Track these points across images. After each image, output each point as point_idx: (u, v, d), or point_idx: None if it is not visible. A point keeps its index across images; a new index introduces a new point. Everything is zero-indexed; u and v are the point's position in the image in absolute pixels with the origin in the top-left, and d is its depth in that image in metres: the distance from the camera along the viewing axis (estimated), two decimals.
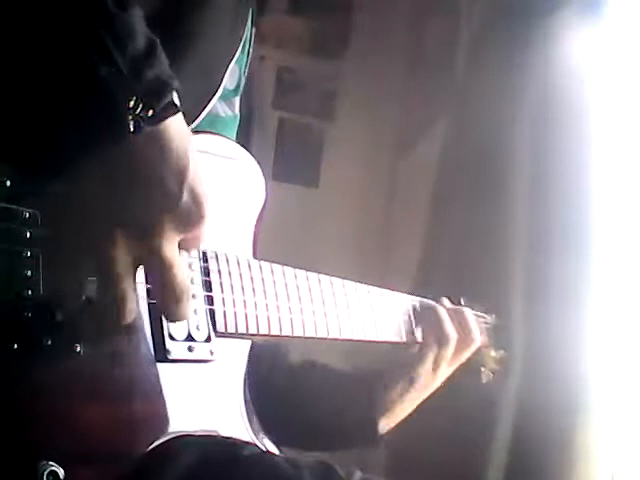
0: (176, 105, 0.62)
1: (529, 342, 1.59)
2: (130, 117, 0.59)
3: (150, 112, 0.60)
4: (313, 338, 0.92)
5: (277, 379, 1.06)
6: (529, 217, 1.71)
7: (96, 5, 0.59)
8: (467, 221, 1.88)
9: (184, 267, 0.65)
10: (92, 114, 0.58)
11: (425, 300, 1.15)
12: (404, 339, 1.08)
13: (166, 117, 0.61)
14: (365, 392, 1.11)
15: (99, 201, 0.60)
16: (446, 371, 1.13)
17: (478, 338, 1.15)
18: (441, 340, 1.11)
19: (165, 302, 0.64)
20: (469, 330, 1.14)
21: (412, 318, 1.11)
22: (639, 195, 1.59)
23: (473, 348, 1.15)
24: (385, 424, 1.12)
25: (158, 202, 0.61)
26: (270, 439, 0.88)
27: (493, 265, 1.74)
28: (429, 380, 1.12)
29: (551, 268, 1.62)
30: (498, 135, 1.82)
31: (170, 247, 0.62)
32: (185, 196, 0.62)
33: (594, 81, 1.65)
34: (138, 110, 0.59)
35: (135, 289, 0.63)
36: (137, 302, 0.63)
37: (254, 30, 0.94)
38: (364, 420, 1.10)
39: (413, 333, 1.10)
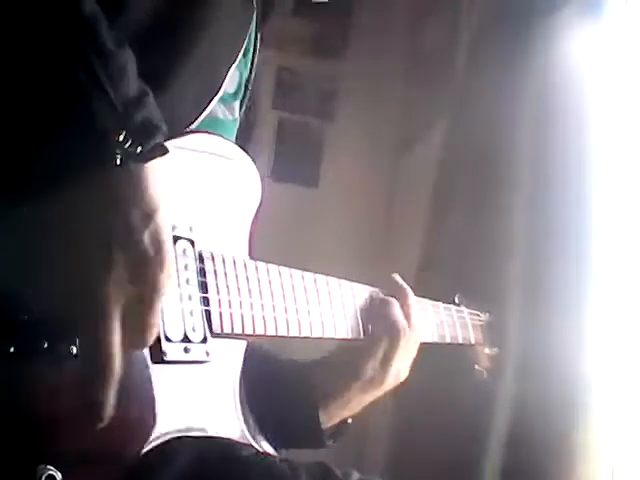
0: (164, 148, 0.63)
1: (529, 342, 1.59)
2: (118, 150, 0.60)
3: (138, 149, 0.61)
4: (309, 338, 0.92)
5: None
6: (529, 217, 1.71)
7: (93, 42, 0.60)
8: (467, 221, 1.88)
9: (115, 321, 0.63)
10: (81, 141, 0.59)
11: (377, 291, 1.07)
12: (361, 335, 1.01)
13: (153, 157, 0.62)
14: (306, 381, 1.04)
15: (70, 219, 0.61)
16: (399, 368, 1.05)
17: (420, 325, 1.07)
18: (392, 333, 1.02)
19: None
20: (410, 317, 1.05)
21: (366, 311, 1.03)
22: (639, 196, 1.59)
23: (419, 337, 1.07)
24: (328, 418, 1.04)
25: (117, 235, 0.62)
26: (266, 440, 0.88)
27: (493, 265, 1.74)
28: (378, 375, 1.03)
29: (551, 268, 1.62)
30: (498, 135, 1.82)
31: (111, 288, 0.62)
32: (146, 239, 0.62)
33: (594, 81, 1.65)
34: (127, 145, 0.60)
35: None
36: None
37: (259, 35, 0.94)
38: (303, 411, 1.02)
39: (365, 326, 1.02)
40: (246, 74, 0.95)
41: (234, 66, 0.87)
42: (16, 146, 0.60)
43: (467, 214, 1.89)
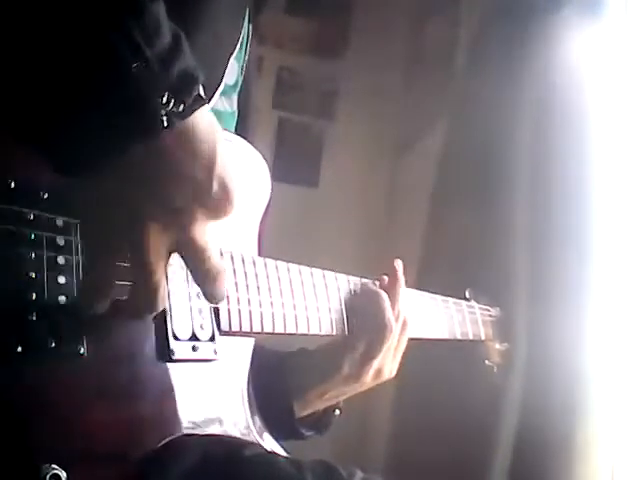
0: (203, 97, 0.62)
1: (529, 341, 1.59)
2: (163, 112, 0.59)
3: (181, 107, 0.60)
4: (317, 335, 0.92)
5: None
6: (530, 215, 1.71)
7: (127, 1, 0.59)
8: (468, 220, 1.88)
9: (216, 250, 0.67)
10: (124, 110, 0.58)
11: (367, 282, 1.04)
12: (345, 330, 0.98)
13: (195, 110, 0.61)
14: (282, 371, 1.02)
15: (128, 195, 0.61)
16: (383, 365, 1.02)
17: (410, 319, 1.04)
18: (376, 328, 0.99)
19: (202, 284, 0.67)
20: (401, 315, 1.03)
21: (352, 304, 0.99)
22: (639, 194, 1.59)
23: (408, 332, 1.04)
24: (302, 408, 1.02)
25: (189, 195, 0.62)
26: (273, 438, 0.88)
27: (494, 264, 1.74)
28: (357, 371, 1.00)
29: (552, 267, 1.62)
30: (498, 135, 1.82)
31: (201, 233, 0.64)
32: (215, 187, 0.63)
33: (594, 81, 1.65)
34: (170, 106, 0.59)
35: (166, 279, 0.64)
36: (167, 292, 0.65)
37: (251, 27, 0.94)
38: (279, 401, 0.99)
39: (350, 321, 0.99)
40: (243, 66, 0.95)
41: (233, 57, 0.87)
42: (60, 121, 0.58)
43: (467, 214, 1.90)
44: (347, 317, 0.98)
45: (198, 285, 0.67)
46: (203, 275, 0.66)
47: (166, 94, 0.59)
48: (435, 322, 1.14)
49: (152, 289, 0.63)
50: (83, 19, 0.58)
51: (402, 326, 1.03)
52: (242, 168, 0.88)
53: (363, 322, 0.99)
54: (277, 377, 1.01)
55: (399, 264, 1.06)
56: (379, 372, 1.02)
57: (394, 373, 1.05)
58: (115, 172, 0.60)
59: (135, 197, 0.61)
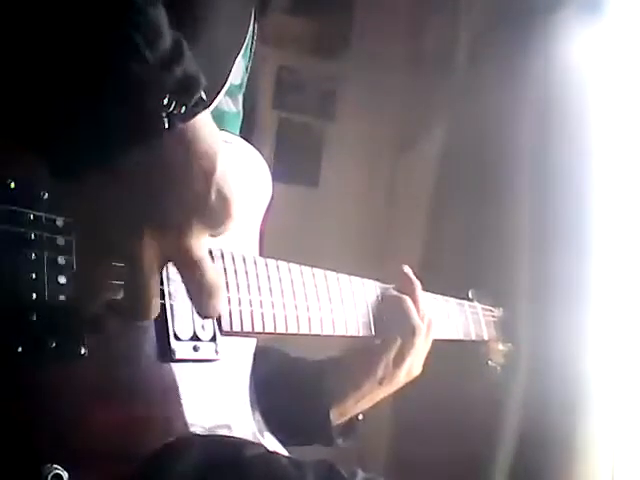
0: (205, 101, 0.61)
1: (530, 341, 1.59)
2: (164, 114, 0.58)
3: (183, 109, 0.59)
4: (319, 335, 0.92)
5: None
6: (531, 214, 1.71)
7: (125, 2, 0.58)
8: (467, 220, 1.89)
9: (213, 263, 0.65)
10: (125, 110, 0.57)
11: (388, 288, 1.08)
12: (373, 332, 1.02)
13: (197, 113, 0.61)
14: (318, 379, 1.05)
15: (126, 199, 0.59)
16: (412, 365, 1.06)
17: (434, 319, 1.08)
18: (406, 332, 1.04)
19: (195, 300, 0.64)
20: (426, 317, 1.07)
21: (377, 308, 1.03)
22: (639, 194, 1.59)
23: (434, 332, 1.08)
24: (338, 415, 1.05)
25: (187, 202, 0.61)
26: (274, 437, 0.88)
27: (494, 264, 1.74)
28: (390, 374, 1.04)
29: (552, 266, 1.62)
30: (498, 135, 1.82)
31: (198, 245, 0.62)
32: (213, 196, 0.61)
33: (594, 81, 1.65)
34: (171, 107, 0.59)
35: (158, 288, 0.62)
36: (169, 293, 0.64)
37: (256, 26, 0.94)
38: (314, 408, 1.03)
39: (380, 325, 1.03)
40: (246, 66, 0.95)
41: (239, 56, 0.86)
42: (60, 120, 0.57)
43: (467, 213, 1.90)
44: (373, 320, 1.02)
45: (190, 300, 0.64)
46: (196, 290, 0.63)
47: (167, 95, 0.58)
48: (439, 323, 1.14)
49: (142, 295, 0.61)
50: (83, 19, 0.57)
51: (428, 327, 1.07)
52: (243, 169, 0.88)
53: (391, 326, 1.03)
54: (312, 385, 1.04)
55: (406, 269, 1.10)
56: (409, 372, 1.07)
57: (420, 370, 1.09)
58: (114, 174, 0.59)
59: (132, 201, 0.59)
